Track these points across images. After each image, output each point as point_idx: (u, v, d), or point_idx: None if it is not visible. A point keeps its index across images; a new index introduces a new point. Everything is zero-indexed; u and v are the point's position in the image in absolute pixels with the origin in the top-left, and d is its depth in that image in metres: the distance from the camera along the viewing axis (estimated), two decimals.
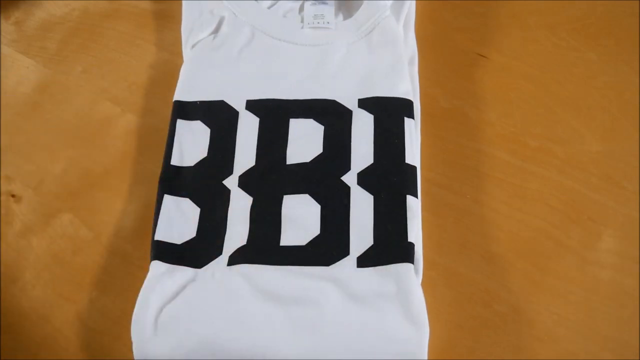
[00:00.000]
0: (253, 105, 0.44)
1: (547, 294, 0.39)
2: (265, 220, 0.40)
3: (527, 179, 0.43)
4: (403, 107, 0.43)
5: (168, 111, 0.44)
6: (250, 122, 0.43)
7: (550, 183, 0.42)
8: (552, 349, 0.37)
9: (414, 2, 0.49)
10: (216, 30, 0.47)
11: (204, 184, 0.41)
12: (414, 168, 0.41)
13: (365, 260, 0.38)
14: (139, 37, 0.52)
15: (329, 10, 0.48)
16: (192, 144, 0.43)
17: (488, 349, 0.37)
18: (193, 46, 0.47)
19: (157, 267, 0.38)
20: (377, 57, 0.45)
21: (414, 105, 0.44)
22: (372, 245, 0.38)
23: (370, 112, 0.43)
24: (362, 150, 0.42)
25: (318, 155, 0.42)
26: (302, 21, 0.48)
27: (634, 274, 0.39)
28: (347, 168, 0.41)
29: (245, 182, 0.41)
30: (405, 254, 0.37)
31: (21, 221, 0.44)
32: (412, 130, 0.42)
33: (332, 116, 0.43)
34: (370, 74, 0.45)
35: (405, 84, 0.44)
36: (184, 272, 0.38)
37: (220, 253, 0.39)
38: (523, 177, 0.43)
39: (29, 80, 0.51)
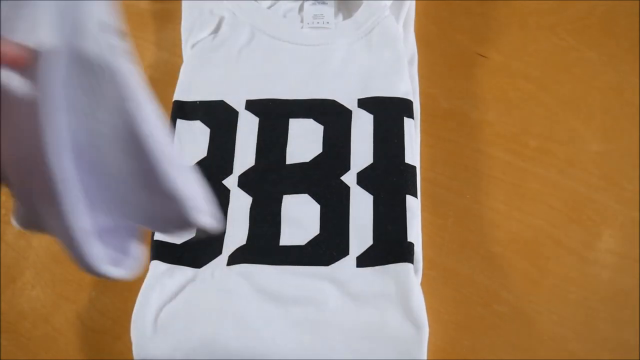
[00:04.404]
0: (253, 105, 0.44)
1: (547, 294, 0.39)
2: (265, 220, 0.40)
3: (527, 179, 0.42)
4: (403, 107, 0.43)
5: (168, 111, 0.44)
6: (250, 122, 0.43)
7: (550, 183, 0.42)
8: (552, 349, 0.37)
9: (414, 2, 0.49)
10: (216, 30, 0.47)
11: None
12: (413, 168, 0.41)
13: (364, 260, 0.38)
14: (139, 37, 0.52)
15: (328, 10, 0.48)
16: (191, 143, 0.43)
17: (488, 349, 0.37)
18: (193, 46, 0.47)
19: (157, 267, 0.38)
20: (377, 57, 0.45)
21: (414, 105, 0.44)
22: (372, 245, 0.38)
23: (370, 112, 0.43)
24: (362, 150, 0.42)
25: (318, 155, 0.42)
26: (301, 21, 0.48)
27: (634, 274, 0.39)
28: (347, 168, 0.41)
29: (245, 182, 0.41)
30: (405, 253, 0.37)
31: None
32: (412, 130, 0.42)
33: (331, 116, 0.43)
34: (370, 74, 0.45)
35: (405, 84, 0.44)
36: (183, 272, 0.38)
37: (220, 253, 0.39)
38: (523, 177, 0.43)
39: None
